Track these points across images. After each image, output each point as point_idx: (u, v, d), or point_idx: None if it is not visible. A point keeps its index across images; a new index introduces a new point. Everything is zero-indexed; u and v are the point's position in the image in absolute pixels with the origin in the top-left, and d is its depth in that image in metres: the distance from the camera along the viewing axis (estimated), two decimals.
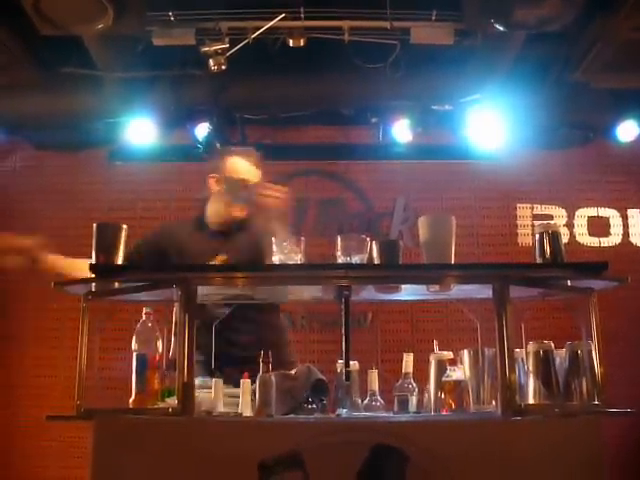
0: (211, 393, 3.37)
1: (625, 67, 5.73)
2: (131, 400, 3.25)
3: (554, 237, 3.32)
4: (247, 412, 3.36)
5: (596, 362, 3.25)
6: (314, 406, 3.48)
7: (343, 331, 3.03)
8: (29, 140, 6.90)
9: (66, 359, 5.99)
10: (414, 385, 3.60)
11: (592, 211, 7.00)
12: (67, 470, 6.39)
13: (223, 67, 5.70)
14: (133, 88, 6.21)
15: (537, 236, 3.34)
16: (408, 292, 3.25)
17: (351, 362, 3.52)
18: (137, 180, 6.84)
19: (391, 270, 3.05)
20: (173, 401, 3.11)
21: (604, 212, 7.01)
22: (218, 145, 6.54)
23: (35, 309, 6.67)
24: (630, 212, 7.00)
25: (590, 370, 3.26)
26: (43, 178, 6.96)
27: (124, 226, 3.32)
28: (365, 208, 6.93)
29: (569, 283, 3.27)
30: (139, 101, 6.30)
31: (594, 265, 3.15)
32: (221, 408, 3.39)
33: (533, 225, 6.95)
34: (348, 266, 3.01)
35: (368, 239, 3.21)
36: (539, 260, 3.28)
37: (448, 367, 3.32)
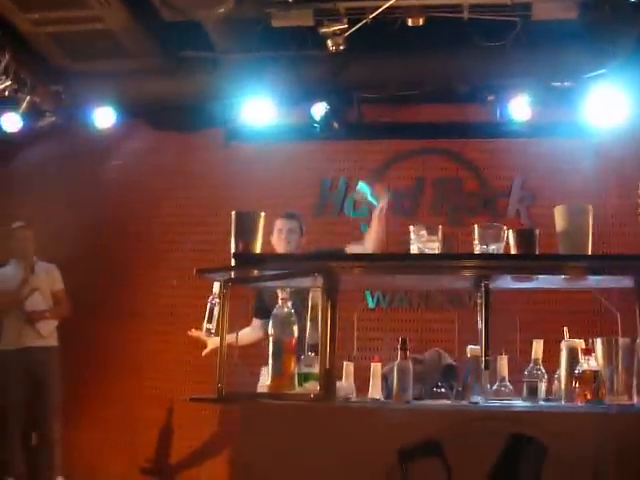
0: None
1: None
2: (268, 384, 3.35)
3: None
4: (376, 395, 3.42)
5: None
6: (443, 390, 3.52)
7: (482, 320, 3.03)
8: (148, 121, 7.08)
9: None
10: (543, 371, 3.60)
11: None
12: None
13: (342, 47, 5.73)
14: (251, 69, 6.29)
15: None
16: (543, 281, 3.24)
17: (475, 347, 3.54)
18: (253, 160, 6.93)
19: (529, 261, 3.04)
20: (312, 386, 3.19)
21: None
22: (335, 124, 6.59)
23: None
24: None
25: None
26: (161, 158, 7.14)
27: (262, 213, 3.41)
28: (481, 187, 6.87)
29: None
30: (256, 82, 6.38)
31: None
32: (354, 393, 3.47)
33: None
34: (487, 256, 3.02)
35: (505, 228, 3.21)
36: None
37: (582, 357, 3.30)
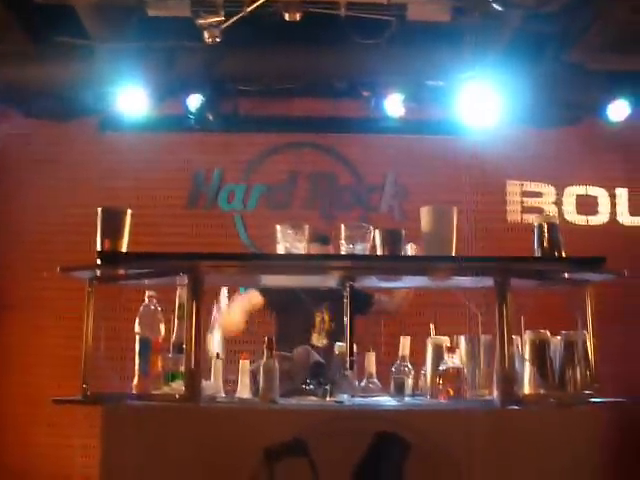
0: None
1: (621, 48, 5.76)
2: (134, 383, 3.30)
3: (552, 229, 3.38)
4: (245, 394, 3.42)
5: (590, 352, 3.34)
6: (312, 387, 3.55)
7: (347, 320, 3.07)
8: (19, 108, 6.83)
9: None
10: (410, 368, 3.69)
11: (581, 189, 7.06)
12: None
13: (217, 39, 5.68)
14: (125, 58, 6.15)
15: (535, 228, 3.40)
16: (409, 281, 3.31)
17: (343, 344, 3.59)
18: (127, 149, 6.79)
19: (394, 261, 3.10)
20: (178, 385, 3.16)
21: (592, 191, 7.06)
22: (210, 116, 6.54)
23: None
24: (618, 191, 7.06)
25: (584, 360, 3.35)
26: (33, 147, 6.91)
27: (129, 211, 3.35)
28: (356, 181, 6.95)
29: (566, 275, 3.34)
30: (131, 71, 6.24)
31: (593, 259, 3.21)
32: (222, 393, 3.45)
33: (522, 202, 7.01)
34: (352, 257, 3.06)
35: (371, 228, 3.26)
36: (537, 252, 3.34)
37: (446, 354, 3.40)
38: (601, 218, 7.05)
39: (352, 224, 3.22)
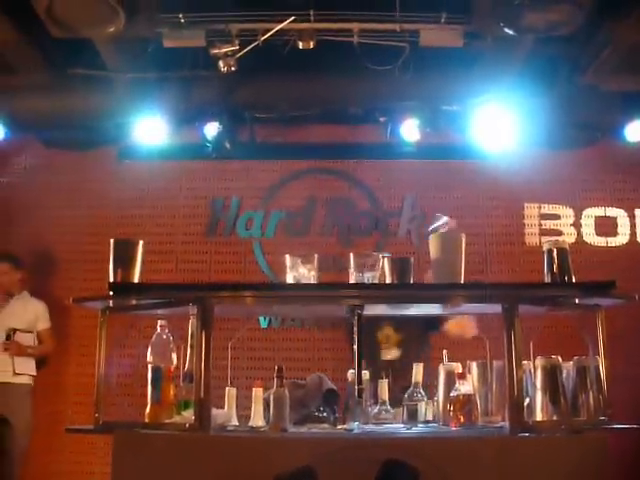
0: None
1: (634, 70, 5.76)
2: (147, 412, 3.33)
3: (562, 254, 3.37)
4: (259, 422, 3.43)
5: (602, 377, 3.31)
6: (325, 415, 3.56)
7: (356, 348, 3.09)
8: (40, 139, 6.96)
9: None
10: (423, 394, 3.68)
11: (599, 211, 7.03)
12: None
13: (233, 68, 5.75)
14: (143, 88, 6.25)
15: (545, 253, 3.39)
16: (419, 308, 3.31)
17: (362, 371, 3.60)
18: (146, 178, 6.90)
19: (402, 289, 3.11)
20: (189, 414, 3.18)
21: (611, 212, 7.04)
22: (227, 144, 6.60)
23: None
24: (637, 212, 7.03)
25: (597, 385, 3.33)
26: (53, 176, 7.01)
27: (141, 241, 3.39)
28: (373, 207, 6.97)
29: (577, 300, 3.32)
30: (149, 101, 6.34)
31: (602, 284, 3.20)
32: (234, 420, 3.47)
33: (540, 224, 6.99)
34: (360, 286, 3.07)
35: (380, 256, 3.27)
36: (547, 278, 3.34)
37: (457, 381, 3.39)
38: (621, 239, 7.02)
39: (361, 252, 3.24)
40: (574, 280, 3.34)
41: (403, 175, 6.89)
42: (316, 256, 3.22)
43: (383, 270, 3.23)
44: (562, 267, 3.36)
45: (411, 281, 3.19)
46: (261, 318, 6.66)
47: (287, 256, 3.22)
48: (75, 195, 6.96)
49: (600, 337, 3.32)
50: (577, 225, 7.00)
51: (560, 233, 6.96)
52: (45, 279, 6.75)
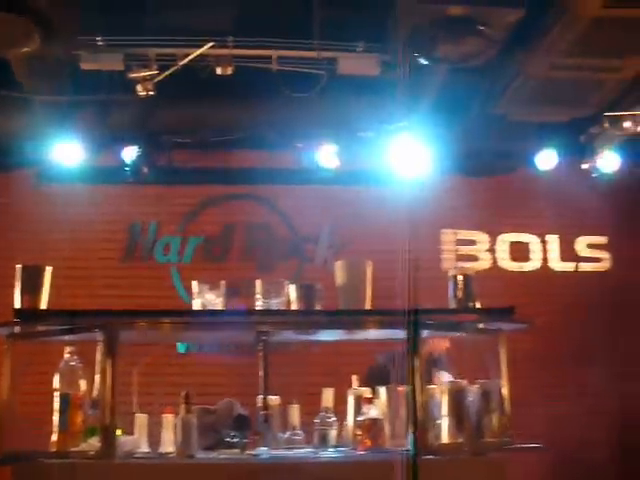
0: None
1: (541, 102, 5.94)
2: (53, 440, 3.28)
3: (466, 281, 3.46)
4: (169, 448, 3.42)
5: (506, 400, 3.40)
6: (236, 440, 3.56)
7: (262, 373, 3.11)
8: None
9: None
10: (334, 419, 3.71)
11: (514, 236, 7.22)
12: None
13: (151, 93, 5.74)
14: (61, 111, 6.19)
15: (450, 280, 3.47)
16: (326, 334, 3.35)
17: (273, 397, 3.63)
18: (63, 202, 6.79)
19: (308, 316, 3.14)
20: (96, 442, 3.15)
21: (525, 237, 7.22)
22: (145, 168, 6.57)
23: None
24: (549, 237, 7.23)
25: (500, 407, 3.41)
26: None
27: (49, 268, 3.36)
28: (291, 233, 7.02)
29: (480, 325, 3.41)
30: (66, 123, 6.27)
31: (502, 309, 3.29)
32: (144, 447, 3.45)
33: (457, 250, 7.13)
34: (266, 312, 3.10)
35: (286, 282, 3.30)
36: (452, 303, 3.42)
37: (364, 405, 3.44)
38: (533, 264, 7.20)
39: (267, 279, 3.27)
40: (478, 305, 3.43)
41: (320, 201, 6.95)
42: (223, 282, 3.25)
43: (289, 296, 3.27)
44: (466, 293, 3.44)
45: (317, 307, 3.23)
46: (179, 344, 6.63)
47: (194, 282, 3.24)
48: None
49: (502, 360, 3.42)
50: (492, 251, 7.16)
51: (476, 258, 7.12)
52: None
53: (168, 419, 3.50)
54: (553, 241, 7.24)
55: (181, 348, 6.66)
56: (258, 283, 3.25)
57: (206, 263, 6.82)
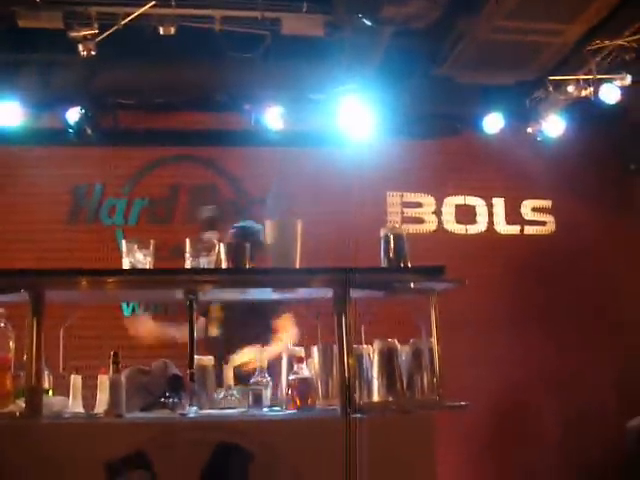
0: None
1: (485, 65, 5.97)
2: None
3: (398, 240, 3.48)
4: (103, 409, 3.41)
5: (436, 359, 3.44)
6: (170, 401, 3.56)
7: (188, 333, 3.11)
8: None
9: None
10: (268, 379, 3.73)
11: (459, 199, 7.26)
12: None
13: (93, 52, 5.64)
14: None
15: (382, 239, 3.49)
16: (255, 293, 3.36)
17: (206, 357, 3.64)
18: (6, 164, 6.69)
19: (236, 274, 3.14)
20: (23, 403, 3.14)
21: (471, 200, 7.27)
22: (89, 130, 6.49)
23: None
24: (495, 200, 7.29)
25: (431, 366, 3.45)
26: None
27: None
28: (238, 195, 6.99)
29: (412, 285, 3.43)
30: (6, 83, 6.15)
31: (433, 268, 3.31)
32: (78, 408, 3.44)
33: (402, 212, 7.16)
34: (194, 271, 3.09)
35: (216, 241, 3.30)
36: (384, 263, 3.43)
37: (296, 364, 3.46)
38: (479, 227, 7.26)
39: (197, 237, 3.26)
40: (409, 265, 3.45)
41: (268, 163, 6.91)
42: (152, 242, 3.23)
43: (219, 255, 3.26)
44: (398, 252, 3.46)
45: (247, 266, 3.23)
46: (124, 306, 6.60)
47: (123, 241, 3.22)
48: None
49: (434, 320, 3.45)
50: (438, 213, 7.20)
51: (422, 221, 7.15)
52: None
53: (102, 379, 3.49)
54: (499, 204, 7.29)
55: (126, 311, 6.62)
56: (188, 242, 3.24)
57: (151, 225, 6.77)
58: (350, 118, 6.55)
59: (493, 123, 6.83)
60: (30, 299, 2.95)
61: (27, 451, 2.92)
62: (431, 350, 3.47)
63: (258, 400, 3.66)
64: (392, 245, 3.45)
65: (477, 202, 7.27)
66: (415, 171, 7.08)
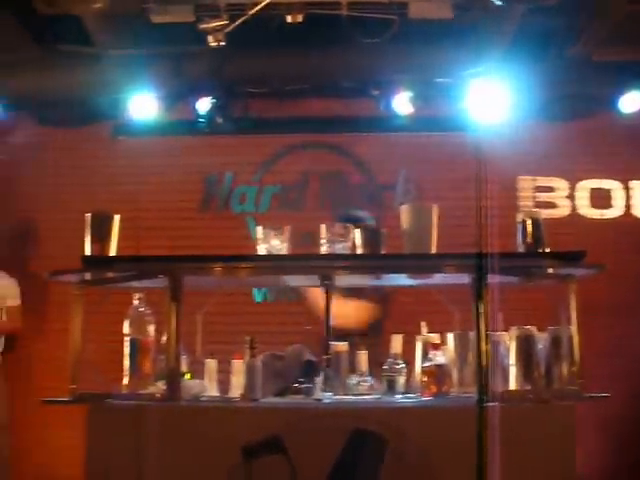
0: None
1: (624, 40, 5.72)
2: (124, 383, 3.38)
3: (536, 224, 3.38)
4: (237, 393, 3.47)
5: (576, 347, 3.33)
6: (304, 386, 3.58)
7: (325, 319, 3.11)
8: (32, 116, 6.96)
9: None
10: (402, 366, 3.70)
11: (594, 183, 6.99)
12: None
13: (222, 43, 5.73)
14: (133, 64, 6.26)
15: (519, 223, 3.40)
16: (390, 278, 3.33)
17: (341, 343, 3.63)
18: (139, 154, 6.88)
19: (372, 260, 3.12)
20: (163, 385, 3.22)
21: (606, 184, 7.00)
22: (219, 119, 6.60)
23: None
24: (632, 184, 6.98)
25: (569, 355, 3.34)
26: (46, 153, 7.00)
27: (117, 216, 3.43)
28: (367, 181, 6.97)
29: (550, 270, 3.33)
30: (140, 77, 6.34)
31: (574, 253, 3.20)
32: (213, 391, 3.51)
33: (534, 197, 6.97)
34: (331, 257, 3.09)
35: (352, 227, 3.28)
36: (521, 248, 3.34)
37: (430, 351, 3.41)
38: (615, 211, 6.99)
39: (331, 223, 3.25)
40: (547, 250, 3.35)
41: (397, 149, 6.83)
42: (288, 228, 3.25)
43: (354, 241, 3.25)
44: (535, 237, 3.36)
45: (382, 252, 3.20)
46: (255, 292, 6.70)
47: (259, 228, 3.25)
48: (68, 171, 6.95)
49: (573, 307, 3.34)
50: (572, 197, 6.97)
51: (554, 206, 6.95)
52: (40, 254, 6.78)
53: (237, 365, 3.55)
54: (636, 187, 6.99)
55: (257, 297, 6.73)
56: (322, 228, 3.24)
57: (282, 212, 6.83)
58: (480, 102, 6.41)
59: (630, 102, 6.55)
60: (169, 285, 3.01)
61: (166, 432, 2.99)
62: (570, 338, 3.35)
63: (391, 386, 3.64)
64: (530, 230, 3.35)
65: (613, 185, 6.99)
66: (548, 154, 6.84)
